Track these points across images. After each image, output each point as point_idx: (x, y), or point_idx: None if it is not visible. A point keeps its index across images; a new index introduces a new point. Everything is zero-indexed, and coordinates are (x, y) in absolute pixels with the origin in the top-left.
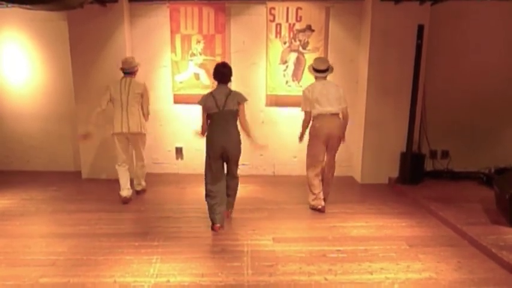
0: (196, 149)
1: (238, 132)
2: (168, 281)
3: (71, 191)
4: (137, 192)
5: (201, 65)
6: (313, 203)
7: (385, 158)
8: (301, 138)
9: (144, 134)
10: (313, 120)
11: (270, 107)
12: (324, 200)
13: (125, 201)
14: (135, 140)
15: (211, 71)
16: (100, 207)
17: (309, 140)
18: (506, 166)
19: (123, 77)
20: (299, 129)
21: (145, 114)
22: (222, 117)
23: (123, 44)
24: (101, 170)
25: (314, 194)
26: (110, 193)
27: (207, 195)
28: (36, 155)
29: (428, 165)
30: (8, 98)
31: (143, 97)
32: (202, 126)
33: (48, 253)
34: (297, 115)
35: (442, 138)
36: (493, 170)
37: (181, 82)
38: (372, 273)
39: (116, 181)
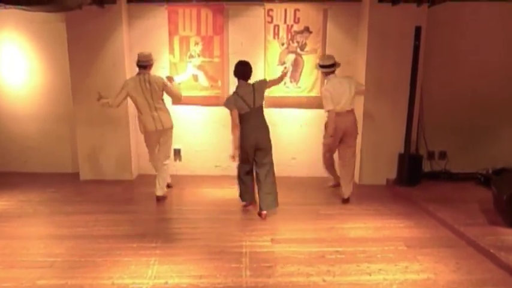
0: (195, 150)
1: (268, 127)
2: (166, 283)
3: (69, 192)
4: (157, 199)
5: (200, 67)
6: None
7: (383, 159)
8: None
9: (172, 128)
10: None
11: (268, 108)
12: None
13: (159, 199)
14: (167, 135)
15: (210, 72)
16: (98, 209)
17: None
18: (504, 167)
19: (138, 74)
20: (297, 130)
21: (177, 99)
22: (254, 115)
23: (121, 46)
24: (99, 171)
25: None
26: (108, 195)
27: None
28: (34, 156)
29: (426, 166)
30: (6, 99)
31: (166, 89)
32: (234, 126)
33: (46, 255)
34: (295, 116)
35: (439, 139)
36: (490, 171)
37: (179, 83)
38: (370, 274)
39: (114, 182)
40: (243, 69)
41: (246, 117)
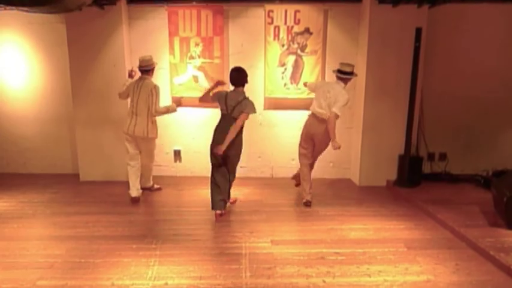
0: (195, 151)
1: (241, 139)
2: (166, 284)
3: (69, 193)
4: (149, 189)
5: (200, 68)
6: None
7: (383, 161)
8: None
9: (152, 138)
10: (308, 116)
11: (268, 110)
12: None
13: (134, 201)
14: (141, 143)
15: (210, 73)
16: (98, 210)
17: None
18: (503, 169)
19: (140, 78)
20: (297, 131)
21: (152, 113)
22: (227, 119)
23: (121, 47)
24: (98, 172)
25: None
26: (108, 196)
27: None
28: (34, 157)
29: (426, 168)
30: (6, 100)
31: (151, 98)
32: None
33: (46, 256)
34: (295, 118)
35: (439, 141)
36: (490, 173)
37: (179, 84)
38: (370, 276)
39: (114, 183)
40: (234, 75)
41: (222, 119)
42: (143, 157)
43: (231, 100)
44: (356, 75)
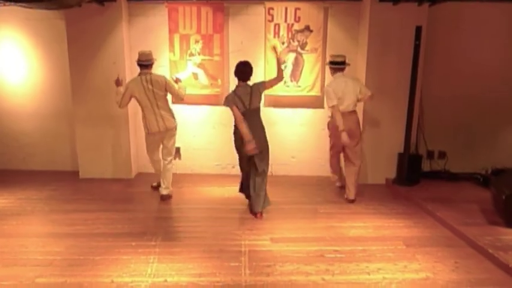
0: (195, 148)
1: (264, 127)
2: (166, 281)
3: (68, 190)
4: (162, 198)
5: (200, 65)
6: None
7: (383, 159)
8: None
9: (176, 127)
10: (331, 117)
11: (268, 108)
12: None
13: (164, 198)
14: (169, 135)
15: (210, 70)
16: (97, 207)
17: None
18: (503, 167)
19: (140, 74)
20: (297, 129)
21: (180, 97)
22: (249, 115)
23: (121, 44)
24: (98, 169)
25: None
26: (107, 193)
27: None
28: (33, 154)
29: (426, 166)
30: (5, 96)
31: (168, 89)
32: (239, 121)
33: (45, 253)
34: (295, 115)
35: (439, 139)
36: (489, 171)
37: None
38: (369, 274)
39: (113, 181)
40: (242, 70)
41: (244, 118)
42: (166, 152)
43: (245, 96)
44: (348, 64)
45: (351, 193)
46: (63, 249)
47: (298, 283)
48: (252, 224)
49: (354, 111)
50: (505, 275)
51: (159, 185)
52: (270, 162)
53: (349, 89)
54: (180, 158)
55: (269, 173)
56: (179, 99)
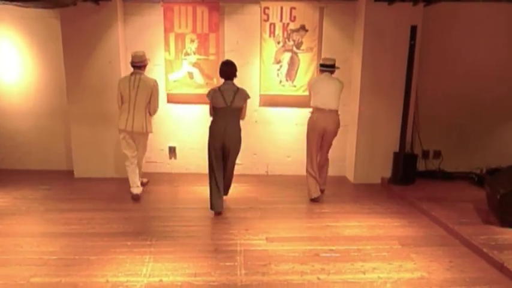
0: (190, 147)
1: (240, 128)
2: (161, 281)
3: (63, 190)
4: (142, 184)
5: (195, 64)
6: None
7: (378, 158)
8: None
9: (149, 133)
10: (311, 113)
11: (264, 107)
12: (321, 191)
13: (136, 198)
14: (138, 138)
15: (205, 70)
16: (92, 207)
17: (307, 133)
18: (497, 167)
19: (132, 73)
20: (292, 128)
21: (152, 112)
22: (228, 113)
23: (116, 43)
24: (93, 169)
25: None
26: (102, 192)
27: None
28: (28, 153)
29: (421, 166)
30: (0, 95)
31: (151, 96)
32: (210, 112)
33: (39, 252)
34: (290, 115)
35: (434, 139)
36: (484, 171)
37: (174, 81)
38: (364, 273)
39: (109, 180)
40: (224, 69)
41: (220, 113)
42: (139, 155)
43: (228, 93)
44: (338, 67)
45: (316, 191)
46: (58, 248)
47: (293, 282)
48: (248, 224)
49: (335, 111)
50: (499, 274)
51: (147, 182)
52: (265, 161)
53: (331, 89)
54: (175, 158)
55: (264, 173)
56: (152, 111)
